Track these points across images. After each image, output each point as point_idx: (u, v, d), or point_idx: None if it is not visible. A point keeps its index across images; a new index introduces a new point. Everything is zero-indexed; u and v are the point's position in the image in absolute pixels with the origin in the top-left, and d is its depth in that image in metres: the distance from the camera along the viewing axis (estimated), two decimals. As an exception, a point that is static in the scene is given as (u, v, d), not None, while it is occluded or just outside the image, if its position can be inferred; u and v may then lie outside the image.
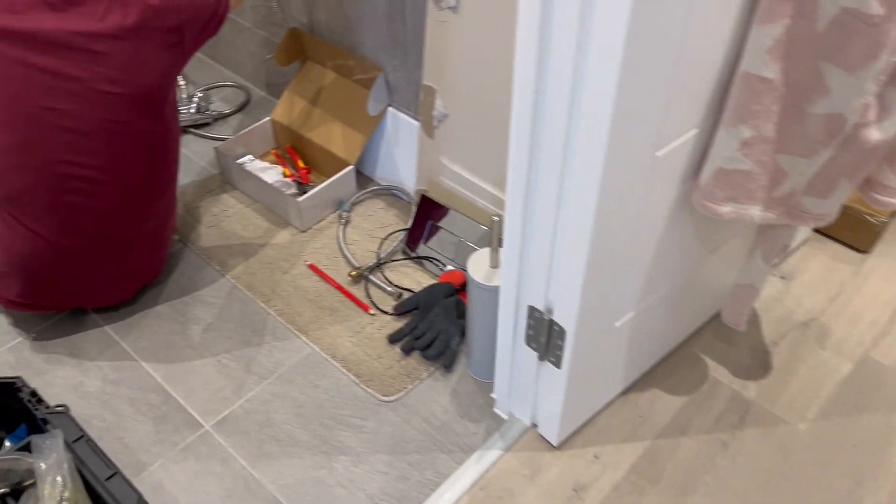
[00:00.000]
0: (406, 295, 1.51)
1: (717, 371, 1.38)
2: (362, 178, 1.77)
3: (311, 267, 1.57)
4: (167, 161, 1.35)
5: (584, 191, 0.88)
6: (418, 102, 1.53)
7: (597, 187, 0.87)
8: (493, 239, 1.17)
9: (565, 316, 1.04)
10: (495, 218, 1.13)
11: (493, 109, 1.36)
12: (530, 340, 1.12)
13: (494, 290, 1.16)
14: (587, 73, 0.78)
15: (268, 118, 1.83)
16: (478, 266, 1.21)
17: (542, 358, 1.13)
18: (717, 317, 1.44)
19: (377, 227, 1.67)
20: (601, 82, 0.77)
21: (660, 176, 0.96)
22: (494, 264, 1.20)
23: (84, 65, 1.15)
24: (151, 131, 1.27)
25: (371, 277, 1.54)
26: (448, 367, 1.38)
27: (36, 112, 1.16)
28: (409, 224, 1.62)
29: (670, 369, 1.39)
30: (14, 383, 1.09)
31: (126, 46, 1.16)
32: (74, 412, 1.27)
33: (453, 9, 1.31)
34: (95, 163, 1.22)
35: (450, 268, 1.53)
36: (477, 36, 1.31)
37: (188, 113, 1.93)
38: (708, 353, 1.41)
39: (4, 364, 1.38)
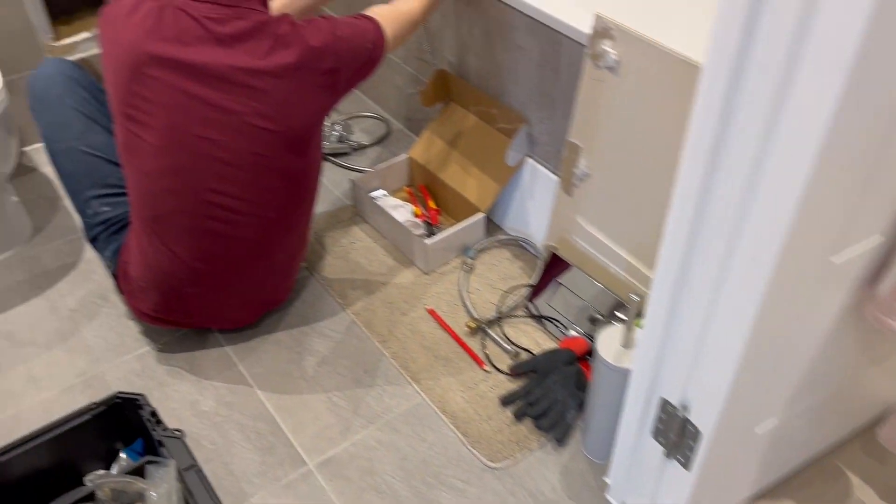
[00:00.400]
0: (524, 355, 1.45)
1: (863, 490, 1.24)
2: (491, 224, 1.74)
3: (431, 312, 1.55)
4: (306, 197, 1.37)
5: (746, 288, 0.80)
6: (560, 158, 1.48)
7: (762, 287, 0.78)
8: (629, 318, 1.10)
9: (703, 417, 0.95)
10: (635, 297, 1.06)
11: (641, 176, 1.29)
12: (658, 434, 1.04)
13: (624, 373, 1.08)
14: (771, 161, 0.70)
15: (405, 155, 1.83)
16: (608, 343, 1.14)
17: (669, 455, 1.04)
18: (869, 430, 1.29)
19: (501, 278, 1.62)
20: (787, 177, 0.69)
21: (832, 282, 0.86)
22: (627, 344, 1.12)
23: (242, 99, 1.17)
24: (294, 167, 1.28)
25: (489, 331, 1.50)
26: (561, 440, 1.30)
27: (192, 140, 1.20)
28: (533, 280, 1.57)
29: (808, 480, 1.25)
30: (137, 400, 1.12)
31: (283, 85, 1.18)
32: (187, 429, 1.30)
33: (612, 69, 1.26)
34: (238, 193, 1.24)
35: (573, 333, 1.46)
36: (633, 100, 1.24)
37: (329, 141, 1.96)
38: (853, 468, 1.27)
39: (131, 371, 1.43)
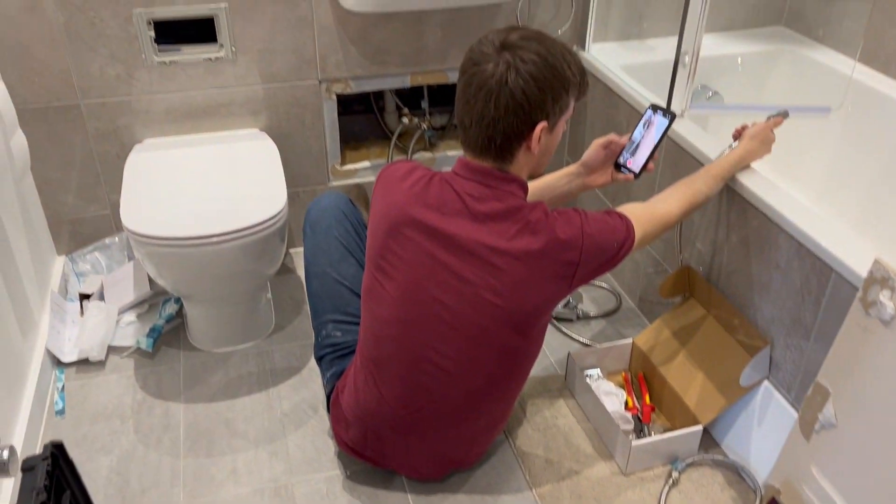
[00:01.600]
0: None
1: None
2: (707, 438, 1.59)
3: (621, 520, 1.43)
4: (519, 374, 1.36)
5: None
6: (803, 394, 1.33)
7: None
8: None
9: None
10: None
11: (901, 450, 1.11)
12: None
13: None
14: None
15: (630, 340, 1.76)
16: None
17: None
18: None
19: (708, 503, 1.46)
20: None
21: None
22: None
23: (479, 272, 1.22)
24: (514, 345, 1.29)
25: (682, 563, 1.34)
26: None
27: (426, 299, 1.26)
28: (745, 519, 1.39)
29: None
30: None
31: (521, 267, 1.21)
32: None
33: (885, 322, 1.12)
34: (453, 356, 1.27)
35: None
36: (907, 362, 1.09)
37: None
38: None
39: (317, 491, 1.48)
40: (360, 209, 1.62)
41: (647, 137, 1.45)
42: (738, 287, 1.53)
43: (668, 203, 1.38)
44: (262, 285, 1.87)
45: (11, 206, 1.69)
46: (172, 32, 1.83)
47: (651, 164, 1.44)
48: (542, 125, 1.18)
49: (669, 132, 1.50)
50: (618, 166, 1.47)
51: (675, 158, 1.69)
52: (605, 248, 1.25)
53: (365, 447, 1.41)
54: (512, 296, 1.22)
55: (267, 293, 1.96)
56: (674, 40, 1.68)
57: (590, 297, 2.05)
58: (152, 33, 1.80)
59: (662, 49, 2.03)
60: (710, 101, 2.04)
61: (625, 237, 1.27)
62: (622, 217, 1.29)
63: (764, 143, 1.49)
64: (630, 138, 1.46)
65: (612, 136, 1.47)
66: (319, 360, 1.50)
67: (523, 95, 1.14)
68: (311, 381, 1.75)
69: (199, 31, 1.84)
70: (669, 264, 1.81)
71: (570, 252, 1.22)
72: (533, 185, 1.47)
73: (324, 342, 1.48)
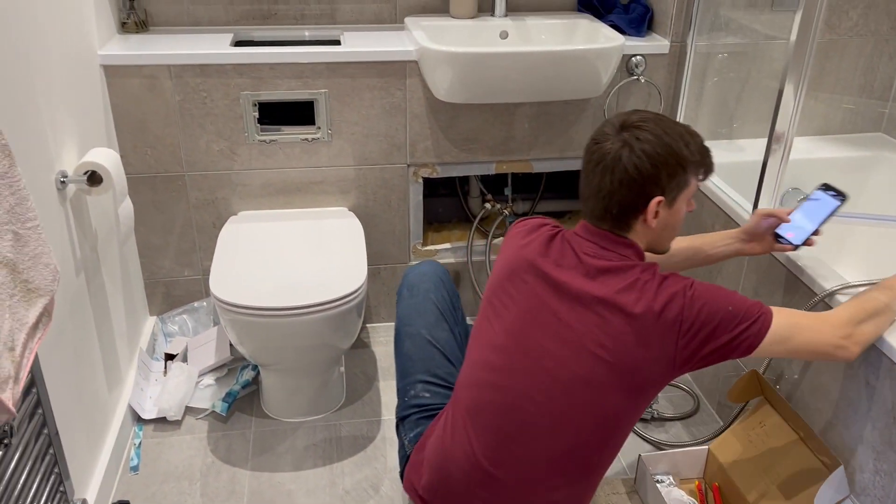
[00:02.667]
0: None
1: None
2: (787, 562, 1.48)
3: None
4: (608, 445, 1.30)
5: None
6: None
7: None
8: None
9: None
10: None
11: None
12: None
13: None
14: None
15: (706, 447, 1.69)
16: None
17: None
18: None
19: None
20: None
21: None
22: None
23: (585, 322, 1.23)
24: (612, 404, 1.25)
25: None
26: None
27: (531, 343, 1.27)
28: None
29: None
30: None
31: (624, 321, 1.20)
32: None
33: None
34: (547, 407, 1.25)
35: None
36: None
37: (630, 403, 1.90)
38: None
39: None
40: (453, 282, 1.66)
41: (812, 213, 1.45)
42: (818, 400, 1.46)
43: (833, 310, 1.31)
44: (336, 358, 1.90)
45: (114, 267, 1.80)
46: (274, 113, 1.95)
47: (813, 240, 1.44)
48: (657, 199, 1.23)
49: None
50: (777, 236, 1.48)
51: (763, 267, 1.65)
52: (714, 313, 1.20)
53: (435, 496, 1.37)
54: (615, 350, 1.21)
55: (340, 367, 1.99)
56: (764, 142, 1.66)
57: (666, 397, 1.98)
58: (256, 114, 1.93)
59: (752, 150, 2.01)
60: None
61: (751, 313, 1.21)
62: (762, 306, 1.24)
63: None
64: (794, 212, 1.47)
65: (777, 210, 1.49)
66: (402, 420, 1.49)
67: (636, 171, 1.21)
68: (374, 460, 1.75)
69: (299, 112, 1.96)
70: (748, 367, 1.74)
71: (672, 307, 1.20)
72: (689, 241, 1.53)
73: (410, 402, 1.48)
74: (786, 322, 1.23)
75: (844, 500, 1.39)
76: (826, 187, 1.47)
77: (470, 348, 1.38)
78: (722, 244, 1.54)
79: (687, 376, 2.05)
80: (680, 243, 1.54)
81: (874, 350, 1.30)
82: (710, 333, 1.21)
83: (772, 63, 1.99)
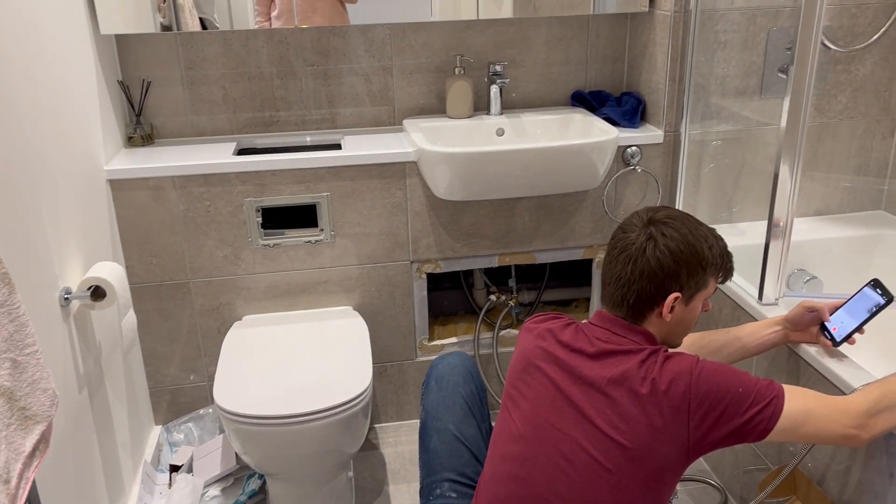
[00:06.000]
0: None
1: None
2: None
3: None
4: None
5: None
6: None
7: None
8: None
9: None
10: None
11: None
12: None
13: None
14: None
15: (730, 546, 1.61)
16: None
17: None
18: None
19: None
20: None
21: None
22: None
23: (597, 405, 1.21)
24: (631, 493, 1.20)
25: None
26: None
27: (547, 429, 1.25)
28: None
29: None
30: None
31: (634, 401, 1.19)
32: None
33: None
34: (568, 495, 1.21)
35: None
36: None
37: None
38: None
39: None
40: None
41: (858, 310, 1.44)
42: (850, 493, 1.40)
43: (850, 396, 1.28)
44: (344, 463, 1.85)
45: (118, 379, 1.79)
46: (277, 217, 1.98)
47: (854, 338, 1.44)
48: (674, 295, 1.25)
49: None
50: (823, 329, 1.48)
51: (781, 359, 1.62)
52: (724, 393, 1.18)
53: None
54: (629, 432, 1.18)
55: (349, 472, 1.94)
56: (765, 225, 1.67)
57: (687, 492, 1.91)
58: (260, 219, 1.95)
59: (753, 233, 2.01)
60: (808, 286, 1.98)
61: (763, 396, 1.19)
62: (770, 380, 1.23)
63: None
64: (839, 310, 1.47)
65: (822, 304, 1.48)
66: None
67: (658, 264, 1.24)
68: (386, 572, 1.69)
69: (302, 215, 1.99)
70: (771, 459, 1.68)
71: (678, 385, 1.18)
72: (737, 330, 1.53)
73: (436, 501, 1.43)
74: (798, 407, 1.20)
75: None
76: (875, 284, 1.45)
77: (491, 443, 1.36)
78: (766, 332, 1.53)
79: (710, 470, 1.98)
80: (711, 335, 1.54)
81: (894, 439, 1.26)
82: (721, 414, 1.19)
83: (766, 147, 2.01)
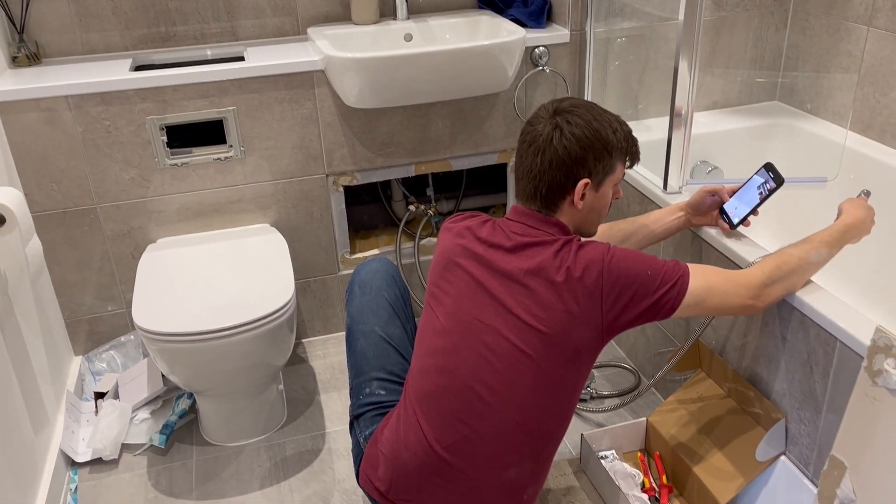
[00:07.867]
0: None
1: None
2: (730, 519, 1.54)
3: None
4: (557, 412, 1.32)
5: None
6: (820, 466, 1.30)
7: None
8: None
9: None
10: None
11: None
12: None
13: None
14: None
15: (644, 418, 1.73)
16: None
17: None
18: None
19: (733, 589, 1.41)
20: None
21: None
22: None
23: (516, 295, 1.26)
24: (552, 374, 1.27)
25: None
26: None
27: (469, 321, 1.29)
28: None
29: None
30: None
31: (550, 289, 1.25)
32: None
33: (892, 391, 1.10)
34: (493, 382, 1.27)
35: None
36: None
37: (568, 385, 1.94)
38: None
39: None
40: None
41: (752, 193, 1.51)
42: (748, 360, 1.52)
43: (747, 269, 1.35)
44: (273, 377, 1.87)
45: (28, 308, 1.73)
46: (183, 136, 1.91)
47: (749, 221, 1.52)
48: (584, 181, 1.29)
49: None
50: (722, 213, 1.55)
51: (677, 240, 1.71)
52: (634, 277, 1.25)
53: (394, 490, 1.36)
54: (547, 318, 1.24)
55: (279, 385, 1.97)
56: (668, 120, 1.72)
57: (603, 376, 2.03)
58: (165, 138, 1.89)
59: (658, 129, 2.07)
60: (710, 176, 2.07)
61: (669, 277, 1.26)
62: (676, 261, 1.30)
63: (869, 215, 1.47)
64: (740, 190, 1.54)
65: (719, 187, 1.57)
66: (357, 417, 1.46)
67: (565, 152, 1.28)
68: (322, 473, 1.74)
69: (209, 133, 1.93)
70: (680, 340, 1.80)
71: (591, 272, 1.24)
72: (630, 220, 1.61)
73: (365, 400, 1.47)
74: (701, 284, 1.29)
75: (779, 455, 1.45)
76: (768, 168, 1.51)
77: (417, 340, 1.40)
78: (670, 218, 1.60)
79: (624, 355, 2.10)
80: (619, 224, 1.60)
81: (785, 305, 1.37)
82: (632, 297, 1.26)
83: (668, 43, 2.06)
